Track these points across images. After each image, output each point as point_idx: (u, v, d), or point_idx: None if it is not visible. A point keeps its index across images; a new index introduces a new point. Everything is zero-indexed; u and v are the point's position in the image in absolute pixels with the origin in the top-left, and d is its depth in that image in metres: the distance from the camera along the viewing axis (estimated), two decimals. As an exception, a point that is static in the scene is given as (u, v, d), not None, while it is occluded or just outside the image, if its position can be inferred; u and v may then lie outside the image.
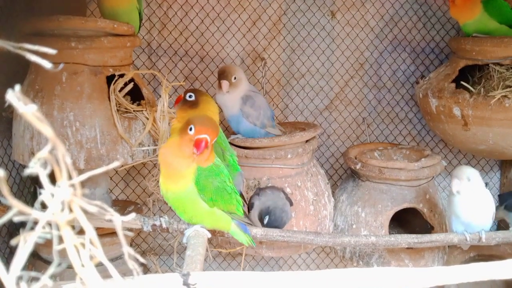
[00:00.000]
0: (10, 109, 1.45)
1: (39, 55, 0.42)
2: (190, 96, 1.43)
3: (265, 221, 1.43)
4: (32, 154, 1.34)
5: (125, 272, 1.37)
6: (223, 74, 1.59)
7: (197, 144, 1.03)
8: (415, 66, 2.08)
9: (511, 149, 1.69)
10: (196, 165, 1.08)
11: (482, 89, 1.68)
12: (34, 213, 0.35)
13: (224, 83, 1.56)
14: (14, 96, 0.37)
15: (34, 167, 0.35)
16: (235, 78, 1.59)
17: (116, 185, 1.93)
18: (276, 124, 1.72)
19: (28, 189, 1.65)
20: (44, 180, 0.35)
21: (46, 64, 0.40)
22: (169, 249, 1.98)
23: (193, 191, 1.08)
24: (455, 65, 1.77)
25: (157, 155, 1.45)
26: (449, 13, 1.98)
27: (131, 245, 1.94)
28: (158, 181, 1.51)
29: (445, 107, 1.72)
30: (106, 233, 1.48)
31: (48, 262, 1.51)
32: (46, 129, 0.36)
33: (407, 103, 2.11)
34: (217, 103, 1.63)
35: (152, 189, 1.57)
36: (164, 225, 1.24)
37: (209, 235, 1.15)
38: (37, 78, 1.37)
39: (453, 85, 1.73)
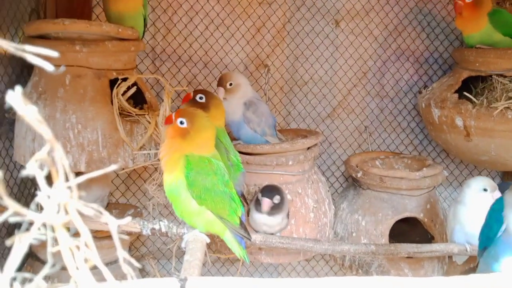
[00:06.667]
0: (13, 111, 1.45)
1: (42, 57, 0.42)
2: (200, 98, 1.43)
3: (260, 197, 1.39)
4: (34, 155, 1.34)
5: (123, 276, 1.37)
6: (219, 81, 1.62)
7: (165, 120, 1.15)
8: (418, 76, 2.08)
9: (513, 160, 1.68)
10: (184, 154, 1.10)
11: (485, 100, 1.67)
12: (29, 214, 0.35)
13: (218, 90, 1.58)
14: (15, 98, 0.38)
15: (31, 168, 0.35)
16: (230, 84, 1.59)
17: (117, 188, 1.93)
18: (277, 133, 1.72)
19: (28, 190, 1.66)
20: (41, 181, 0.35)
21: (48, 67, 0.41)
22: (168, 254, 1.97)
23: (183, 185, 1.09)
24: (458, 76, 1.77)
25: (158, 159, 1.46)
26: (453, 24, 1.99)
27: (130, 249, 1.94)
28: (158, 185, 1.51)
29: (448, 118, 1.72)
30: (104, 236, 1.48)
31: (46, 263, 1.51)
32: (44, 131, 0.36)
33: (410, 113, 2.10)
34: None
35: (152, 193, 1.57)
36: (163, 229, 1.24)
37: (208, 240, 1.14)
38: (41, 80, 1.38)
39: (456, 95, 1.73)
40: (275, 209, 1.40)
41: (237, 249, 1.19)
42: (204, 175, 1.10)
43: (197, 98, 1.42)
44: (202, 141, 1.13)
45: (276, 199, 1.39)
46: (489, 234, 1.05)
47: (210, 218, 1.13)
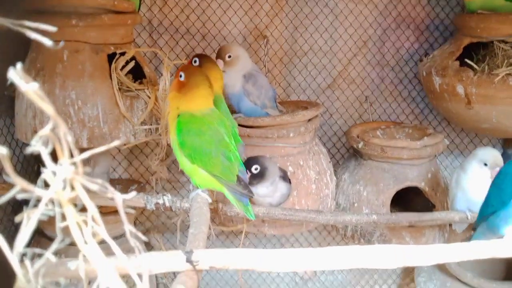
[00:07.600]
0: (12, 88, 1.44)
1: (39, 32, 0.41)
2: (195, 61, 1.45)
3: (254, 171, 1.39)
4: (35, 132, 1.34)
5: (130, 250, 1.39)
6: (217, 53, 1.61)
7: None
8: (419, 44, 2.05)
9: (514, 127, 1.68)
10: (178, 112, 1.14)
11: (486, 67, 1.66)
12: (36, 190, 0.35)
13: (217, 63, 1.57)
14: (16, 75, 0.37)
15: (36, 145, 0.35)
16: (229, 56, 1.58)
17: (119, 164, 1.94)
18: (277, 105, 1.71)
19: (32, 168, 1.66)
20: (46, 158, 0.35)
21: (47, 42, 0.40)
22: (173, 227, 2.00)
23: (176, 144, 1.14)
24: (459, 43, 1.75)
25: (159, 134, 1.46)
26: (454, -10, 1.95)
27: (135, 224, 1.96)
28: (160, 160, 1.52)
29: (449, 85, 1.71)
30: (109, 211, 1.49)
31: (52, 240, 1.53)
32: (47, 107, 0.36)
33: (410, 82, 2.09)
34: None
35: (155, 167, 1.57)
36: (167, 204, 1.25)
37: (210, 200, 1.15)
38: (38, 56, 1.36)
39: (457, 63, 1.71)
40: (256, 178, 1.39)
41: (236, 205, 1.20)
42: (193, 135, 1.13)
43: (193, 62, 1.45)
44: (195, 97, 1.16)
45: (254, 168, 1.39)
46: (503, 198, 1.06)
47: (204, 175, 1.16)
